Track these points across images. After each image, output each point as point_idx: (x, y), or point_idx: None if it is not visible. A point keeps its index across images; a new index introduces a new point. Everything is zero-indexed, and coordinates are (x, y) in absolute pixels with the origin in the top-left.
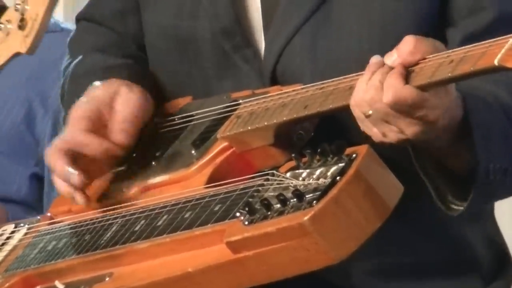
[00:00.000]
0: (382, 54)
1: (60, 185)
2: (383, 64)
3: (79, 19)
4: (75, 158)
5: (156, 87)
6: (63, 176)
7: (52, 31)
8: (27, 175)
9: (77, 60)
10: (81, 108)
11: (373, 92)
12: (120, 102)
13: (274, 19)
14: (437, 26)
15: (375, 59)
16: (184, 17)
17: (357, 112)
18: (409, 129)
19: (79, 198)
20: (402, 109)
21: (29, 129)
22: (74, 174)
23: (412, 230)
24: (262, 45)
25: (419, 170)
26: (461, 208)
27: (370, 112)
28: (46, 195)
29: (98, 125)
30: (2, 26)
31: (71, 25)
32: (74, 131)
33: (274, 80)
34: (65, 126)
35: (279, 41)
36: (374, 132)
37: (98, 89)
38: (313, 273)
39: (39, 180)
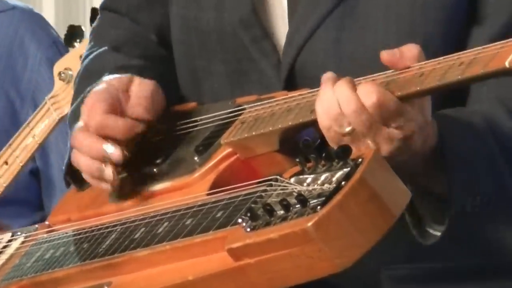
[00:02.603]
0: None
1: (88, 165)
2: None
3: (103, 8)
4: None
5: (168, 87)
6: (99, 154)
7: (2, 10)
8: (26, 172)
9: (91, 56)
10: (97, 93)
11: (354, 104)
12: (135, 85)
13: (299, 7)
14: (464, 23)
15: (329, 74)
16: (205, 7)
17: (332, 132)
18: (385, 146)
19: (110, 172)
20: (384, 115)
21: (12, 121)
22: (115, 149)
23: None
24: (282, 37)
25: None
26: (438, 234)
27: (348, 129)
28: (44, 189)
29: (117, 108)
30: (63, 74)
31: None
32: (94, 115)
33: (292, 73)
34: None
35: (303, 30)
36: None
37: (113, 79)
38: (336, 281)
39: (37, 175)
